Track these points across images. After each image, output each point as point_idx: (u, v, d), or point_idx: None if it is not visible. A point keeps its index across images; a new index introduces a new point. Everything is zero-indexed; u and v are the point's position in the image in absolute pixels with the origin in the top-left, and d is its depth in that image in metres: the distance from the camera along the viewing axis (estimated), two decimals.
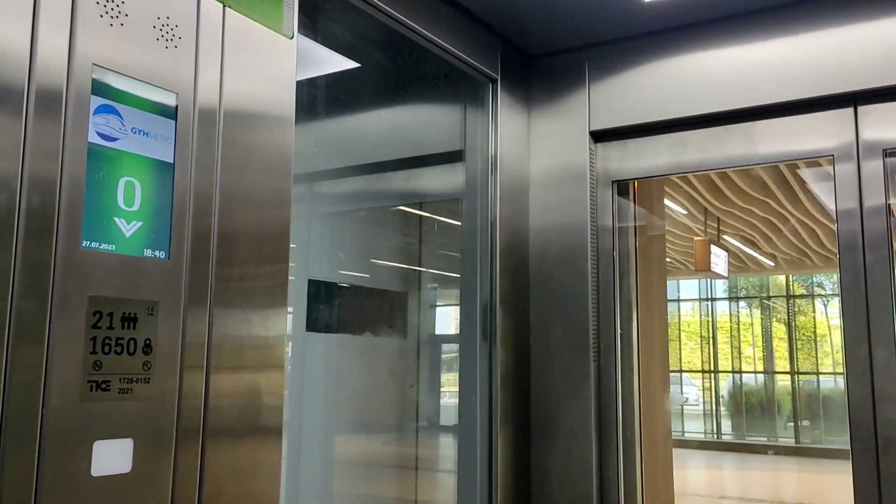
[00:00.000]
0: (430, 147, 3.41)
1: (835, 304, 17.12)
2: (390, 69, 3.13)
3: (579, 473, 2.95)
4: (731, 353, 17.74)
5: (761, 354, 17.77)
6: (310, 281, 2.81)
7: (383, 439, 3.42)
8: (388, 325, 3.24)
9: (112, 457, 1.40)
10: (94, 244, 1.40)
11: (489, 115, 3.05)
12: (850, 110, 2.71)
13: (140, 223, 1.48)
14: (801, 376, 16.60)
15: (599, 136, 3.15)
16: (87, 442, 1.37)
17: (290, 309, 1.83)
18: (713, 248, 8.91)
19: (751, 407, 16.88)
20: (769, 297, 17.95)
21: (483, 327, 2.96)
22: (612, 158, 3.14)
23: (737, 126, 2.90)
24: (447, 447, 3.38)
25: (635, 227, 3.34)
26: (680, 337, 17.60)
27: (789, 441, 15.82)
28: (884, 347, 2.54)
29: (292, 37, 1.89)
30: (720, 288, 17.92)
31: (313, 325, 2.82)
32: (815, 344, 16.97)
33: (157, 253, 1.51)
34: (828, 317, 17.08)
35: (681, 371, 17.32)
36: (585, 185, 3.09)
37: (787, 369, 16.91)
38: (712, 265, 8.85)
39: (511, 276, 3.03)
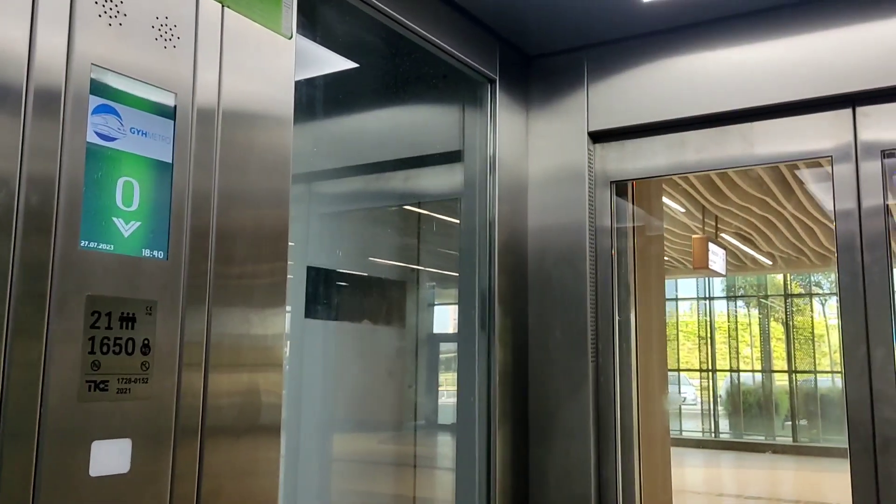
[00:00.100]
0: (429, 147, 3.41)
1: (832, 304, 17.15)
2: (389, 69, 3.13)
3: (578, 473, 2.95)
4: (729, 353, 17.76)
5: (759, 354, 17.79)
6: (308, 268, 2.81)
7: (380, 438, 3.42)
8: (387, 313, 3.25)
9: (110, 457, 1.40)
10: (92, 244, 1.40)
11: (488, 115, 3.06)
12: (849, 111, 2.71)
13: (138, 223, 1.48)
14: (798, 375, 16.63)
15: (598, 137, 3.15)
16: (85, 442, 1.37)
17: (288, 308, 1.83)
18: (711, 245, 8.92)
19: (748, 406, 16.91)
20: (766, 296, 17.98)
21: (481, 327, 2.96)
22: (611, 159, 3.14)
23: (735, 127, 2.90)
24: (445, 445, 3.38)
25: (633, 227, 3.34)
26: (678, 336, 17.62)
27: (787, 440, 15.86)
28: (882, 347, 2.54)
29: (291, 37, 1.89)
30: (718, 287, 17.95)
31: (312, 312, 2.83)
32: (813, 343, 17.00)
33: (155, 253, 1.51)
34: (825, 316, 17.10)
35: (678, 370, 17.35)
36: (584, 185, 3.09)
37: (785, 369, 16.95)
38: (710, 263, 8.86)
39: (509, 276, 3.03)
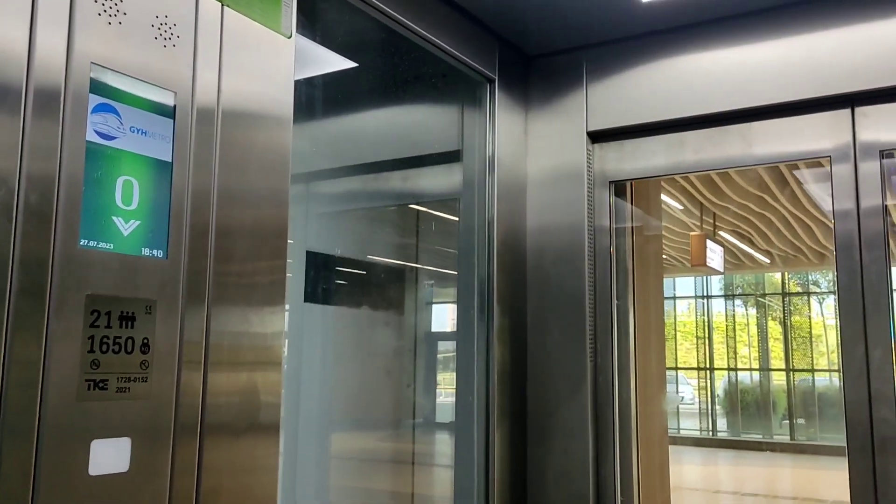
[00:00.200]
0: (428, 147, 3.41)
1: (830, 302, 17.18)
2: (388, 69, 3.13)
3: (576, 472, 2.95)
4: (727, 353, 17.79)
5: (757, 354, 17.82)
6: (308, 252, 2.81)
7: (378, 436, 3.42)
8: (385, 299, 3.25)
9: (109, 456, 1.40)
10: (91, 243, 1.40)
11: (486, 115, 3.06)
12: (848, 111, 2.71)
13: (138, 222, 1.48)
14: (796, 375, 16.66)
15: (597, 137, 3.15)
16: (84, 441, 1.37)
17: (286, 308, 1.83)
18: (709, 243, 8.92)
19: (746, 405, 16.95)
20: (764, 295, 18.00)
21: (480, 326, 2.96)
22: (610, 159, 3.14)
23: (734, 127, 2.90)
24: (443, 443, 3.39)
25: (632, 227, 3.35)
26: (676, 335, 17.64)
27: (784, 438, 15.89)
28: (880, 348, 2.55)
29: (290, 36, 1.89)
30: (716, 286, 17.97)
31: (311, 296, 2.83)
32: (811, 342, 17.03)
33: (154, 252, 1.51)
34: (823, 315, 17.12)
35: (676, 367, 17.37)
36: (583, 185, 3.09)
37: (783, 369, 16.97)
38: (708, 260, 8.87)
39: (508, 275, 3.04)
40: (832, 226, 2.69)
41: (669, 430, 4.54)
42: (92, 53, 1.44)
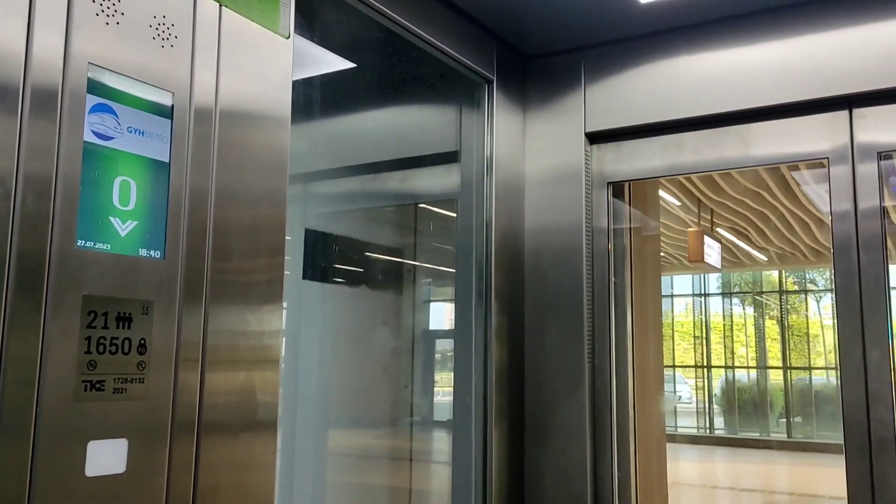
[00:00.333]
0: (426, 147, 3.40)
1: (827, 301, 17.20)
2: (386, 69, 3.13)
3: (574, 472, 2.95)
4: (725, 353, 17.81)
5: (754, 355, 17.84)
6: (307, 230, 2.81)
7: (375, 433, 3.42)
8: (384, 280, 3.26)
9: (106, 457, 1.40)
10: (88, 243, 1.40)
11: (485, 115, 3.06)
12: (845, 113, 2.71)
13: (135, 222, 1.48)
14: (793, 374, 16.68)
15: (595, 138, 3.15)
16: (81, 442, 1.37)
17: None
18: (706, 239, 8.91)
19: (743, 403, 16.98)
20: (761, 293, 18.02)
21: (478, 326, 2.96)
22: (608, 160, 3.14)
23: (732, 128, 2.90)
24: (441, 441, 3.39)
25: (630, 228, 3.35)
26: (673, 334, 17.66)
27: (782, 436, 15.93)
28: (878, 349, 2.55)
29: (289, 36, 1.89)
30: (713, 284, 17.99)
31: (310, 274, 2.84)
32: (808, 341, 17.06)
33: (152, 252, 1.51)
34: (820, 314, 17.15)
35: (674, 366, 17.39)
36: (581, 186, 3.09)
37: (780, 367, 17.00)
38: (705, 256, 8.86)
39: (506, 276, 3.03)
40: (830, 227, 2.69)
41: (667, 428, 4.55)
42: (89, 53, 1.43)
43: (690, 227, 9.10)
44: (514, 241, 3.11)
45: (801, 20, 2.76)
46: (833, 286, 2.67)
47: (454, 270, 3.17)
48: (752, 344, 17.93)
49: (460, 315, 3.05)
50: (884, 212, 2.62)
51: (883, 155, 2.65)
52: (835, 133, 2.72)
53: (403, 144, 3.42)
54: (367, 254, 3.41)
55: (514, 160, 3.16)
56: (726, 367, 17.56)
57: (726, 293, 18.30)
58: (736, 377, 17.46)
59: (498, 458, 2.88)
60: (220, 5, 1.70)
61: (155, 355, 1.49)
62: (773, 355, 17.49)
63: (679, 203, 8.70)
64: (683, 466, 12.41)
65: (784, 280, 17.46)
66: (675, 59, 2.98)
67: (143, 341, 1.47)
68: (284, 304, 1.84)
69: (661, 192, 7.46)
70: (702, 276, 17.36)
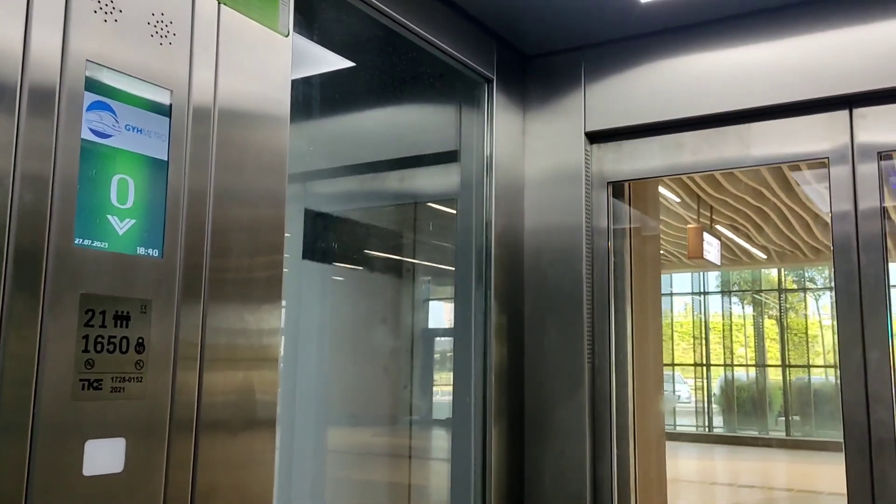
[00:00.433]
0: (426, 147, 3.40)
1: (826, 300, 17.21)
2: (386, 69, 3.13)
3: (573, 473, 2.94)
4: (724, 353, 17.83)
5: (753, 355, 17.85)
6: (306, 210, 2.81)
7: (374, 432, 3.41)
8: (383, 260, 3.26)
9: (104, 456, 1.39)
10: (86, 242, 1.39)
11: (484, 115, 3.05)
12: (846, 113, 2.71)
13: (133, 221, 1.47)
14: (791, 373, 16.70)
15: (595, 138, 3.15)
16: (78, 441, 1.36)
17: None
18: (706, 235, 8.90)
19: (742, 402, 17.00)
20: (760, 291, 18.03)
21: (477, 327, 2.95)
22: (608, 160, 3.14)
23: (732, 128, 2.90)
24: (440, 439, 3.39)
25: (630, 228, 3.34)
26: (672, 333, 17.67)
27: (780, 434, 15.95)
28: (877, 349, 2.54)
29: (288, 35, 1.88)
30: (713, 283, 18.00)
31: (310, 253, 2.84)
32: (807, 339, 17.07)
33: (150, 251, 1.50)
34: (819, 313, 17.15)
35: (672, 365, 17.40)
36: (580, 186, 3.08)
37: (779, 365, 17.02)
38: (705, 252, 8.84)
39: (506, 276, 3.03)
40: (830, 227, 2.69)
41: (666, 427, 4.55)
42: (87, 51, 1.43)
43: (690, 223, 9.09)
44: (513, 240, 3.11)
45: (801, 20, 2.76)
46: (833, 286, 2.66)
47: (453, 269, 3.16)
48: (752, 344, 17.94)
49: (460, 314, 3.04)
50: (884, 212, 2.62)
51: (883, 155, 2.65)
52: (835, 133, 2.72)
53: (403, 144, 3.41)
54: (367, 251, 3.41)
55: (514, 160, 3.16)
56: (725, 364, 17.58)
57: (725, 291, 18.31)
58: (735, 376, 17.48)
59: (497, 457, 2.88)
60: (219, 3, 1.70)
61: (153, 354, 1.49)
62: (773, 356, 17.50)
63: (679, 200, 8.69)
64: (682, 463, 12.44)
65: (783, 279, 17.47)
66: (675, 59, 2.97)
67: (141, 340, 1.47)
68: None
69: (661, 189, 7.44)
70: (701, 274, 17.36)
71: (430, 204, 3.63)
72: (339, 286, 3.30)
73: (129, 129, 1.48)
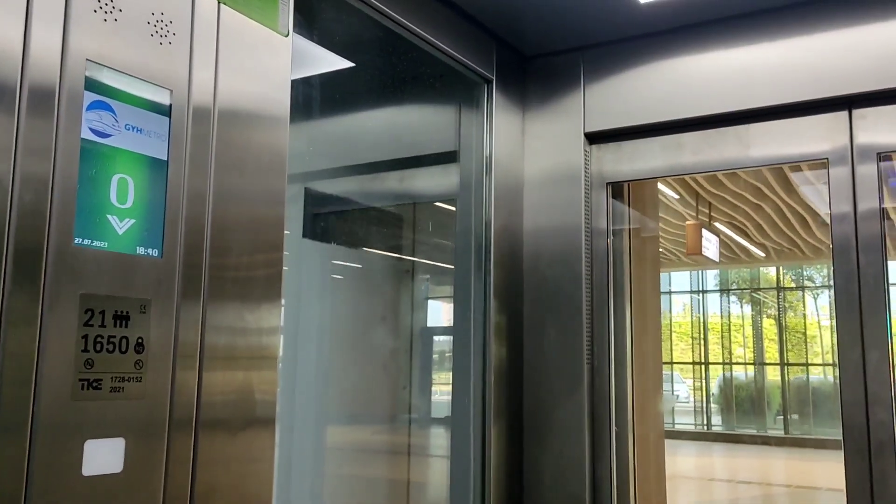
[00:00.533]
0: (425, 147, 3.40)
1: (824, 300, 17.24)
2: (385, 69, 3.13)
3: (572, 474, 2.94)
4: (722, 353, 17.84)
5: (751, 356, 17.87)
6: (306, 189, 2.81)
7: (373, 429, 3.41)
8: (383, 243, 3.26)
9: (103, 456, 1.39)
10: (86, 241, 1.39)
11: (484, 115, 3.05)
12: (845, 113, 2.71)
13: (133, 220, 1.47)
14: (790, 371, 16.71)
15: (594, 138, 3.15)
16: (78, 441, 1.36)
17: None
18: (704, 232, 8.89)
19: (740, 401, 17.02)
20: (759, 289, 18.03)
21: (476, 327, 2.95)
22: (607, 160, 3.14)
23: (731, 129, 2.90)
24: (439, 437, 3.39)
25: (629, 228, 3.34)
26: (671, 332, 17.67)
27: (779, 432, 15.97)
28: (877, 350, 2.54)
29: (287, 35, 1.88)
30: (711, 283, 18.01)
31: (310, 232, 2.85)
32: (805, 339, 17.09)
33: (149, 251, 1.50)
34: (818, 312, 17.17)
35: (671, 362, 17.40)
36: (580, 186, 3.08)
37: (777, 363, 17.04)
38: (703, 249, 8.82)
39: (505, 276, 3.03)
40: (829, 228, 2.69)
41: (665, 425, 4.55)
42: (87, 50, 1.43)
43: (688, 220, 9.08)
44: (513, 241, 3.10)
45: (801, 21, 2.76)
46: (832, 287, 2.66)
47: (453, 267, 3.16)
48: (750, 345, 17.95)
49: (459, 317, 3.04)
50: (883, 213, 2.62)
51: (882, 156, 2.65)
52: (834, 134, 2.72)
53: (402, 144, 3.41)
54: (366, 248, 3.41)
55: (514, 160, 3.16)
56: (724, 363, 17.59)
57: (724, 290, 18.31)
58: (734, 376, 17.50)
59: (496, 456, 2.88)
60: (219, 3, 1.69)
61: (152, 354, 1.48)
62: (771, 356, 17.52)
63: (677, 196, 8.67)
64: (680, 460, 12.47)
65: (782, 277, 17.48)
66: (675, 60, 2.97)
67: (140, 340, 1.46)
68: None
69: (660, 186, 7.43)
70: (699, 272, 17.36)
71: (429, 203, 3.63)
72: (339, 282, 3.30)
73: (128, 129, 1.48)
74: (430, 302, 3.63)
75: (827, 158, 2.72)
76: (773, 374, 17.21)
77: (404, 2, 2.55)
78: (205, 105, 1.64)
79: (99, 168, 1.42)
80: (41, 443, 1.31)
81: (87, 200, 1.40)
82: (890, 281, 2.60)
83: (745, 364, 17.67)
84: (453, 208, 3.20)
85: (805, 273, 17.45)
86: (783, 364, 16.80)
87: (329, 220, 3.17)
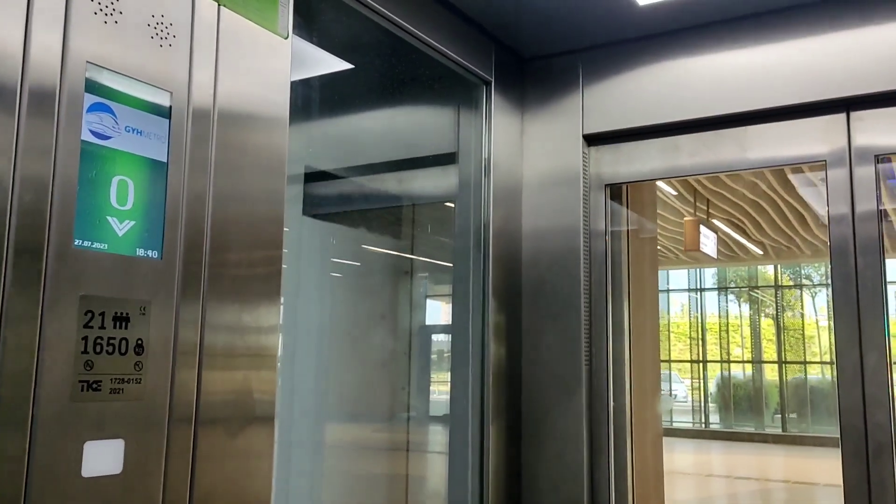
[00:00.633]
0: (424, 149, 3.40)
1: (822, 299, 17.25)
2: (384, 71, 3.13)
3: (570, 476, 2.95)
4: (721, 352, 17.85)
5: (750, 356, 17.88)
6: (306, 167, 2.83)
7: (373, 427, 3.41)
8: (382, 227, 3.27)
9: (103, 457, 1.39)
10: (86, 243, 1.39)
11: (483, 117, 3.05)
12: (843, 116, 2.72)
13: (133, 222, 1.48)
14: (788, 370, 16.73)
15: (592, 140, 3.15)
16: (77, 442, 1.36)
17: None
18: (702, 228, 8.88)
19: (739, 400, 17.03)
20: (756, 287, 18.04)
21: (475, 328, 2.95)
22: (605, 162, 3.14)
23: (729, 131, 2.90)
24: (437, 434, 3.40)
25: (627, 230, 3.35)
26: (669, 332, 17.67)
27: (777, 431, 15.99)
28: (875, 352, 2.55)
29: (287, 37, 1.88)
30: (709, 282, 18.02)
31: (310, 210, 2.86)
32: (803, 337, 17.10)
33: (149, 252, 1.50)
34: (816, 312, 17.18)
35: (669, 361, 17.41)
36: (578, 188, 3.09)
37: (775, 361, 17.06)
38: (702, 245, 8.81)
39: (504, 278, 3.03)
40: (827, 229, 2.70)
41: (663, 423, 4.56)
42: (87, 53, 1.43)
43: (686, 217, 9.07)
44: (511, 243, 3.11)
45: (799, 23, 2.76)
46: (830, 289, 2.67)
47: (451, 265, 3.17)
48: (749, 345, 17.96)
49: (458, 317, 3.04)
50: (881, 215, 2.62)
51: (880, 158, 2.65)
52: (832, 136, 2.73)
53: (401, 146, 3.42)
54: (365, 246, 3.42)
55: (512, 162, 3.16)
56: (722, 361, 17.60)
57: (721, 288, 18.32)
58: (731, 374, 17.51)
59: (495, 457, 2.88)
60: (219, 5, 1.70)
61: (152, 355, 1.49)
62: (769, 356, 17.53)
63: (675, 193, 8.66)
64: (678, 457, 12.49)
65: (780, 276, 17.49)
66: (673, 62, 2.98)
67: (140, 341, 1.47)
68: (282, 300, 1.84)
69: (658, 182, 7.42)
70: (697, 270, 17.35)
71: (429, 203, 3.63)
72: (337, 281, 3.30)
73: (128, 131, 1.48)
74: (428, 301, 3.64)
75: (825, 160, 2.73)
76: (771, 374, 17.23)
77: (403, 4, 2.55)
78: (205, 107, 1.64)
79: (99, 170, 1.43)
80: (41, 444, 1.31)
81: (87, 202, 1.40)
82: (888, 283, 2.60)
83: (743, 362, 17.69)
84: (451, 205, 3.21)
85: (803, 272, 17.47)
86: (781, 362, 16.82)
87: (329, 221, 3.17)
